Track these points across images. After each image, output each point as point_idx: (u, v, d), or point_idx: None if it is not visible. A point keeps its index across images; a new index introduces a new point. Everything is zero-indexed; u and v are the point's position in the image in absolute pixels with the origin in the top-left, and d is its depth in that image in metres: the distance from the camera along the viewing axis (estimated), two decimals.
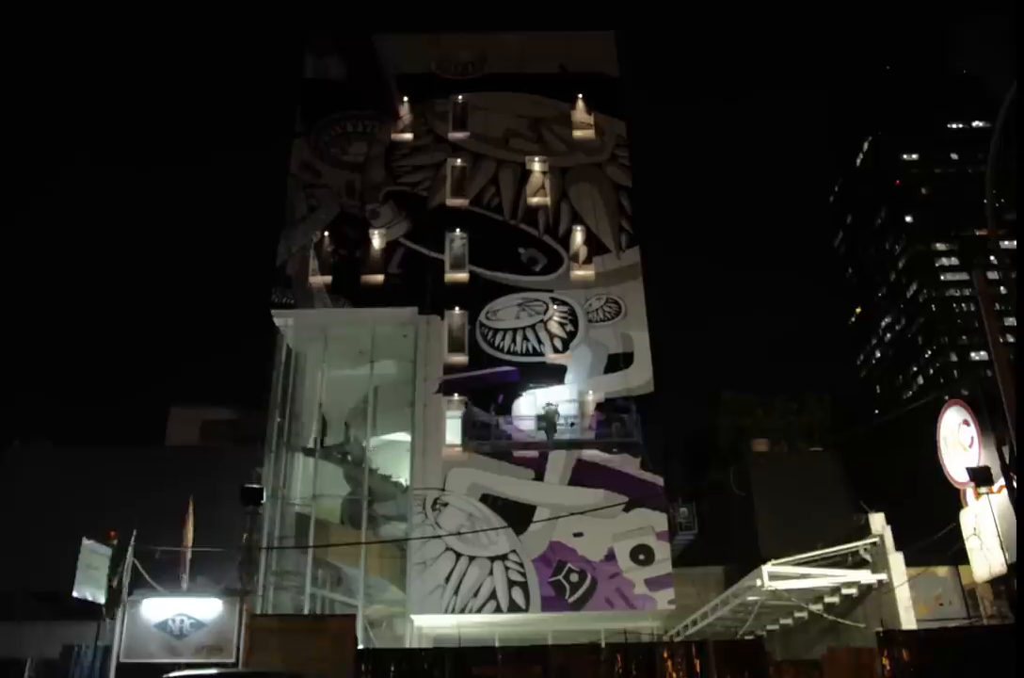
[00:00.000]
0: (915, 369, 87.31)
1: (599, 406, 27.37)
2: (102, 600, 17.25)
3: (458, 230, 30.88)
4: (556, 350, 28.61)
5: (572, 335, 28.91)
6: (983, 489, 16.18)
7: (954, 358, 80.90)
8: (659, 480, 26.32)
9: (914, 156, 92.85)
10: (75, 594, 16.77)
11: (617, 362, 28.32)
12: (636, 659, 16.91)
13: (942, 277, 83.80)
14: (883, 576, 19.09)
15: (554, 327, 29.00)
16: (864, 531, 19.95)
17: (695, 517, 29.00)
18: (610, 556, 25.28)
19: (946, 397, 18.15)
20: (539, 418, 26.76)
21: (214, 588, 18.10)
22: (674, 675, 16.69)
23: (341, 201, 31.53)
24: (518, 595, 24.74)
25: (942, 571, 19.54)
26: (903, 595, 18.65)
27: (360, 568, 25.78)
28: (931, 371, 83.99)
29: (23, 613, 21.05)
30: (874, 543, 19.67)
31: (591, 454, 26.85)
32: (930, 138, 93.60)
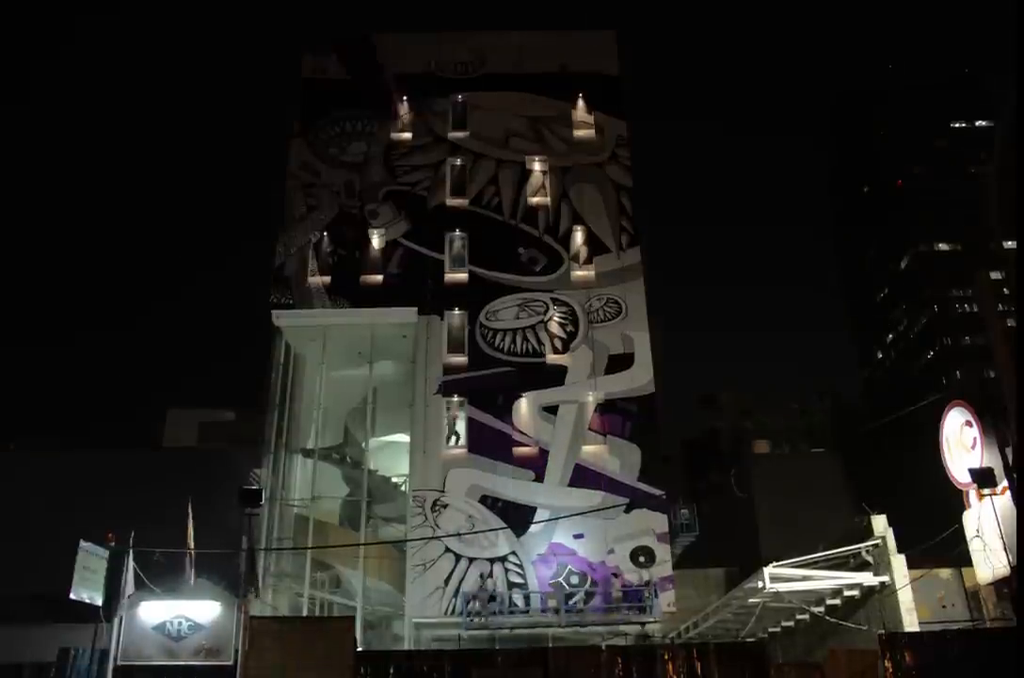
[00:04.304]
0: (917, 370, 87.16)
1: (615, 575, 25.00)
2: (99, 602, 17.13)
3: (458, 230, 30.78)
4: (556, 351, 28.50)
5: (572, 336, 28.81)
6: (986, 490, 16.09)
7: (957, 359, 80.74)
8: (655, 491, 26.11)
9: (916, 156, 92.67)
10: (72, 596, 16.64)
11: (618, 363, 28.22)
12: (636, 661, 16.79)
13: (944, 277, 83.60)
14: (885, 578, 19.00)
15: (554, 328, 28.90)
16: (866, 533, 19.87)
17: (696, 519, 28.92)
18: (610, 558, 25.17)
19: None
20: (550, 594, 24.61)
21: (212, 590, 17.98)
22: (675, 677, 16.60)
23: (340, 201, 31.44)
24: (518, 597, 24.64)
25: (945, 573, 19.44)
26: (905, 597, 18.56)
27: (359, 570, 25.67)
28: (933, 371, 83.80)
29: (20, 616, 20.93)
30: (876, 545, 19.59)
31: (590, 454, 26.77)
32: (932, 137, 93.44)
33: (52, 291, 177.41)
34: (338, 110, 33.16)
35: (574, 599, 24.44)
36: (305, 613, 25.08)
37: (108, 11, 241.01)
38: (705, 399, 68.07)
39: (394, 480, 30.22)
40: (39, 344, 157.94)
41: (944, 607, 19.24)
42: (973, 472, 16.18)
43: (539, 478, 26.46)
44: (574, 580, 24.80)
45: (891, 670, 15.27)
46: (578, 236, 30.62)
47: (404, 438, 29.17)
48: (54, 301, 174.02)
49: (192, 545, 18.46)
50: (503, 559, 25.17)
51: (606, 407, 27.57)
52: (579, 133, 32.64)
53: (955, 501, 17.84)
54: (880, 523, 19.73)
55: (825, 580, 19.76)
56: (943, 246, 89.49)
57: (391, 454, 30.98)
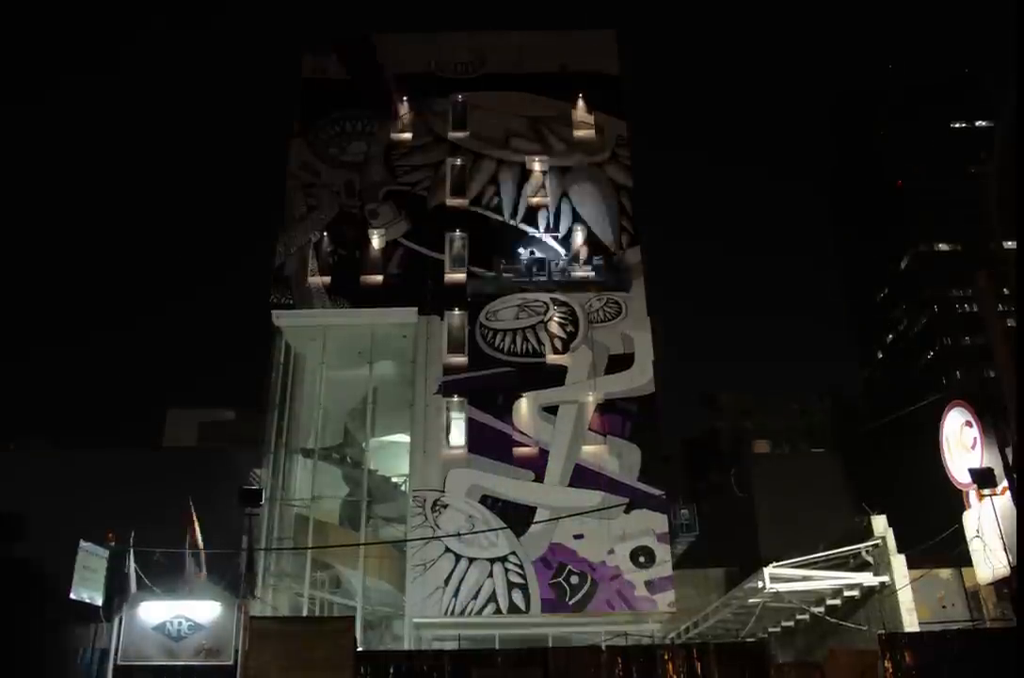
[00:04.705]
0: (917, 370, 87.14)
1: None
2: (99, 602, 17.13)
3: (458, 230, 30.75)
4: (556, 351, 28.47)
5: (572, 336, 28.78)
6: (986, 491, 16.08)
7: (957, 359, 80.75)
8: (655, 491, 26.08)
9: (916, 156, 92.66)
10: (72, 596, 16.65)
11: (618, 363, 28.20)
12: (637, 661, 16.79)
13: (944, 277, 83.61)
14: (885, 578, 18.99)
15: (554, 328, 28.87)
16: (866, 533, 19.87)
17: (696, 519, 28.91)
18: (611, 558, 25.17)
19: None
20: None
21: (212, 590, 17.98)
22: (675, 677, 16.60)
23: (340, 201, 31.40)
24: (518, 597, 24.62)
25: (945, 573, 19.43)
26: (905, 597, 18.55)
27: (359, 570, 25.66)
28: (933, 371, 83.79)
29: (21, 616, 20.89)
30: (876, 545, 19.59)
31: (590, 454, 26.75)
32: (932, 137, 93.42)
33: (52, 292, 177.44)
34: (338, 110, 33.11)
35: (574, 599, 24.42)
36: (305, 613, 25.07)
37: (108, 10, 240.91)
38: (705, 399, 68.10)
39: (394, 480, 30.21)
40: (39, 344, 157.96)
41: (944, 607, 19.23)
42: (973, 472, 16.17)
43: (539, 478, 26.44)
44: (574, 580, 24.79)
45: (891, 670, 15.28)
46: (578, 236, 30.59)
47: (404, 438, 29.15)
48: (53, 302, 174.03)
49: (202, 545, 18.46)
50: (503, 559, 25.15)
51: (606, 407, 27.54)
52: (579, 133, 32.59)
53: (955, 501, 17.83)
54: (880, 523, 19.72)
55: (825, 580, 19.75)
56: (943, 246, 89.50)
57: (391, 454, 30.96)
